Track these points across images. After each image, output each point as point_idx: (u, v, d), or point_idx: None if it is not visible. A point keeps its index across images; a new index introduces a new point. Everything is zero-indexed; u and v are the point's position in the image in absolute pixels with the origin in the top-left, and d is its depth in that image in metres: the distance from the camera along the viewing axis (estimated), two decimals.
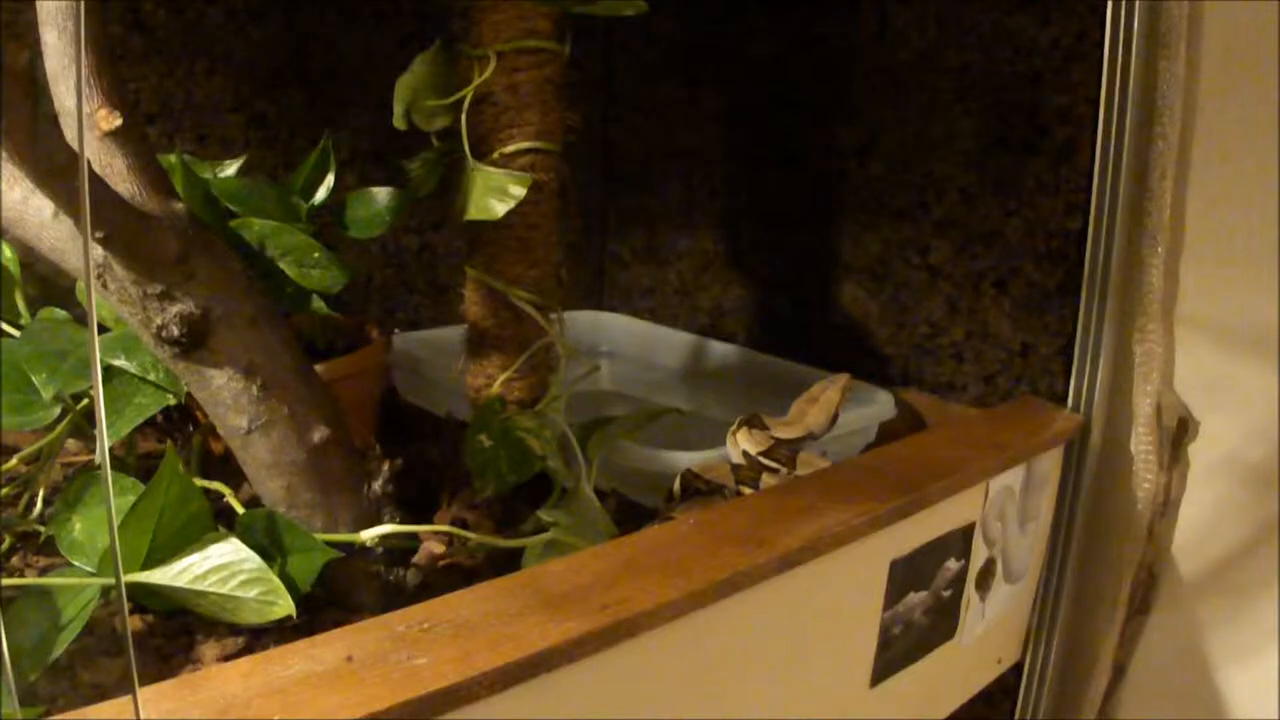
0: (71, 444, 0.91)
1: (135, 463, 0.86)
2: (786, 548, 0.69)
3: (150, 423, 0.80)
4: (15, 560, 0.76)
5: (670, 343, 1.37)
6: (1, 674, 0.45)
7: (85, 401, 0.79)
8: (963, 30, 1.07)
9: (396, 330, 1.26)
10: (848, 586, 0.79)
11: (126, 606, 0.42)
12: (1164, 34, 0.93)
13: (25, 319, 0.86)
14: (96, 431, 0.72)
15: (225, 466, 0.83)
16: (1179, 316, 0.98)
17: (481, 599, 0.61)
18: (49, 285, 0.92)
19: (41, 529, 0.77)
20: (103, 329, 0.78)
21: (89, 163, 0.63)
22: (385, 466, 0.72)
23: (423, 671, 0.53)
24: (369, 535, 0.70)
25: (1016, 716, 1.11)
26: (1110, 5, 0.94)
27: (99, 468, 0.74)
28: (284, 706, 0.50)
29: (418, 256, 1.32)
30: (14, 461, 0.81)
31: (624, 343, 1.41)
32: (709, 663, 0.69)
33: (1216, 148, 0.95)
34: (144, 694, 0.50)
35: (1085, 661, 1.07)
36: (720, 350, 1.31)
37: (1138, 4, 0.93)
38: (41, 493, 0.81)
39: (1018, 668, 1.09)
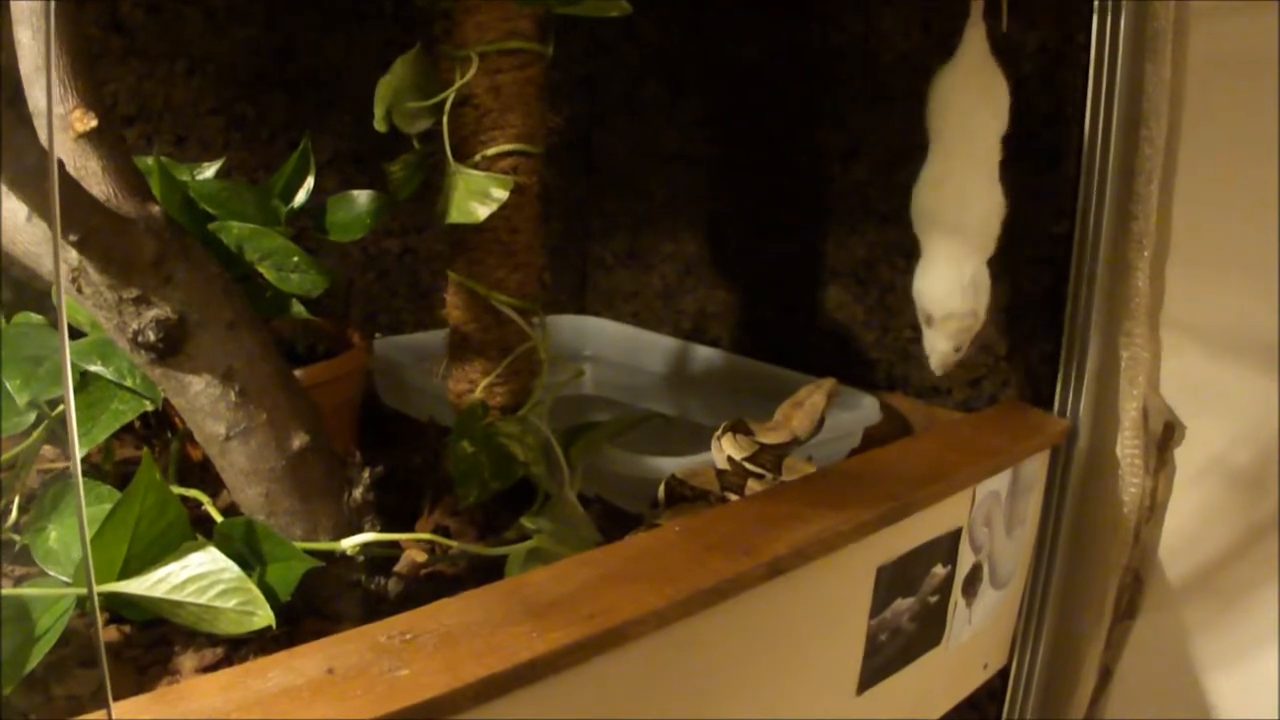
0: (48, 450, 0.89)
1: (112, 470, 0.85)
2: (773, 555, 0.69)
3: (128, 429, 0.78)
4: None
5: (653, 347, 1.36)
6: None
7: (61, 408, 0.78)
8: (948, 34, 1.06)
9: (378, 334, 1.25)
10: (835, 593, 0.79)
11: (100, 618, 0.41)
12: (1150, 38, 0.93)
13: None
14: (68, 439, 0.71)
15: (203, 473, 0.82)
16: (1165, 321, 0.98)
17: (465, 608, 0.60)
18: (23, 289, 0.91)
19: (17, 538, 0.75)
20: (79, 334, 0.76)
21: (62, 164, 0.62)
22: (366, 474, 0.71)
23: (406, 683, 0.52)
24: (350, 544, 0.69)
25: None
26: (1096, 9, 0.94)
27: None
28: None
29: (399, 260, 1.31)
30: None
31: (606, 347, 1.40)
32: (695, 671, 0.68)
33: (1203, 152, 0.95)
34: (120, 708, 0.49)
35: (1072, 666, 1.06)
36: (703, 355, 1.31)
37: (1124, 8, 0.93)
38: (17, 500, 0.80)
39: (1004, 672, 1.09)
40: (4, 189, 0.61)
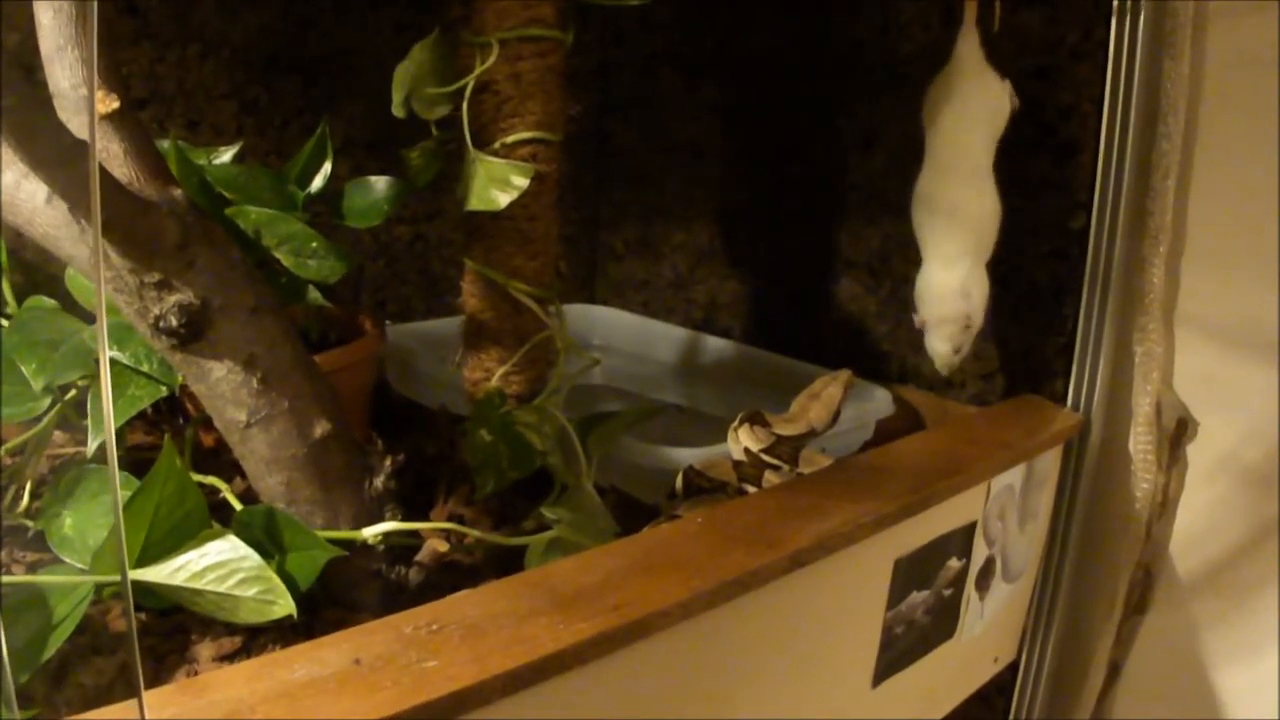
0: (57, 436, 0.89)
1: (124, 455, 0.84)
2: (796, 547, 0.69)
3: (138, 414, 0.78)
4: (2, 556, 0.74)
5: (663, 337, 1.35)
6: (1, 676, 0.43)
7: (73, 392, 0.77)
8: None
9: (388, 322, 1.24)
10: (853, 586, 0.79)
11: (132, 605, 0.40)
12: (1169, 34, 0.92)
13: (12, 307, 0.84)
14: (98, 424, 0.70)
15: (217, 460, 0.82)
16: (1179, 316, 0.98)
17: (490, 599, 0.59)
18: (34, 272, 0.90)
19: (29, 523, 0.74)
20: (93, 318, 0.76)
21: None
22: (388, 462, 0.71)
23: (434, 674, 0.52)
24: (372, 533, 0.68)
25: (1011, 715, 1.11)
26: (1116, 4, 0.94)
27: (91, 461, 0.72)
28: (290, 711, 0.49)
29: (410, 247, 1.31)
30: None
31: (616, 337, 1.40)
32: (716, 663, 0.68)
33: (1219, 148, 0.94)
34: (147, 697, 0.48)
35: (1081, 660, 1.06)
36: (714, 345, 1.30)
37: (1143, 3, 0.93)
38: (29, 486, 0.79)
39: (1013, 666, 1.09)
40: (26, 171, 0.60)
